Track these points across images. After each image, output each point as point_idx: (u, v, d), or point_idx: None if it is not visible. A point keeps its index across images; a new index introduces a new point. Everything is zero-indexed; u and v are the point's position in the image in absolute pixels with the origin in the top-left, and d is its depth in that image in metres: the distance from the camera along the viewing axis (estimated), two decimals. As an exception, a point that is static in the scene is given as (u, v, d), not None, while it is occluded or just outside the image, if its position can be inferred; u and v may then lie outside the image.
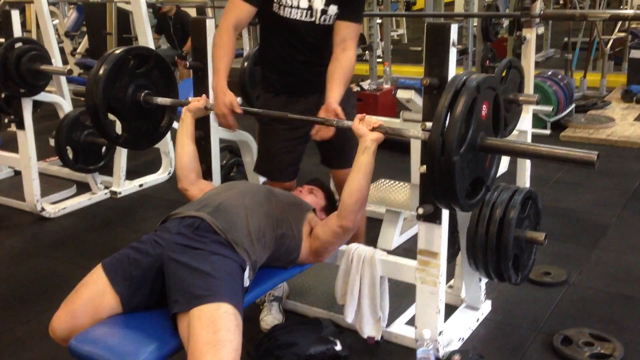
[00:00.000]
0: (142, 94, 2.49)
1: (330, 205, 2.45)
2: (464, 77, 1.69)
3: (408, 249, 3.16)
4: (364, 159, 2.06)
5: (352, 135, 2.30)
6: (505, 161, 4.35)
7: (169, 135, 4.49)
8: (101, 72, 2.37)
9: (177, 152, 2.41)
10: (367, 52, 6.57)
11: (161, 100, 2.52)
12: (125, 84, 2.46)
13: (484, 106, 1.71)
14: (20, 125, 3.77)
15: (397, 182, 3.50)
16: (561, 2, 11.18)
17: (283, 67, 2.50)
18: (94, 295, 1.88)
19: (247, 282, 1.96)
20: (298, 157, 2.61)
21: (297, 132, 2.52)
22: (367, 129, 2.04)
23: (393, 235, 3.26)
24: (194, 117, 2.45)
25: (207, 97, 2.49)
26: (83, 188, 4.30)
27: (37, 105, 4.13)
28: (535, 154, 1.76)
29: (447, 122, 1.63)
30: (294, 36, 2.42)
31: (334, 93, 2.28)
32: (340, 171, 2.60)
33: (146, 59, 2.55)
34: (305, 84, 2.50)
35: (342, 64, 2.33)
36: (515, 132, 3.51)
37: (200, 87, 2.63)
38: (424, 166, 1.83)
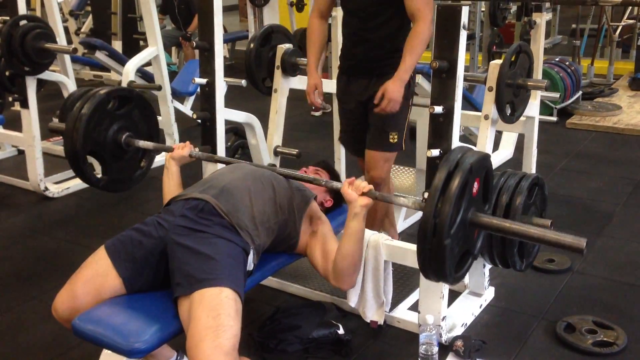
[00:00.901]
0: (124, 136, 2.44)
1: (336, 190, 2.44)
2: (458, 157, 1.71)
3: (412, 234, 3.15)
4: (354, 226, 2.01)
5: (388, 121, 2.49)
6: (510, 147, 4.33)
7: (172, 117, 4.49)
8: (82, 113, 2.30)
9: (164, 198, 2.28)
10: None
11: (143, 144, 2.47)
12: (105, 127, 2.40)
13: (475, 184, 1.72)
14: (24, 104, 3.75)
15: (402, 167, 3.49)
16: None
17: (343, 50, 2.68)
18: (96, 276, 1.87)
19: (250, 266, 1.96)
20: (357, 136, 2.71)
21: (349, 113, 2.71)
22: (357, 194, 1.99)
23: (397, 220, 3.24)
24: (178, 164, 2.37)
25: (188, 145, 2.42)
26: (87, 168, 4.29)
27: (41, 84, 4.11)
28: (525, 235, 1.74)
29: (439, 203, 1.64)
30: (350, 15, 2.57)
31: (401, 66, 2.42)
32: (368, 154, 2.66)
33: (127, 100, 2.50)
34: (358, 66, 2.60)
35: (412, 34, 2.42)
36: (522, 118, 3.48)
37: (207, 67, 2.61)
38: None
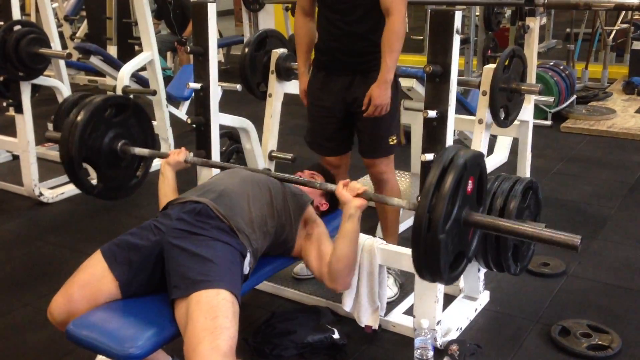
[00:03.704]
0: (120, 144, 2.44)
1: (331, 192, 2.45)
2: (452, 154, 1.72)
3: (407, 238, 3.14)
4: (349, 227, 2.02)
5: (385, 126, 2.46)
6: (505, 151, 4.34)
7: (167, 121, 4.48)
8: (78, 120, 2.31)
9: (160, 202, 2.31)
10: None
11: (139, 151, 2.47)
12: (101, 134, 2.40)
13: (470, 182, 1.73)
14: (19, 109, 3.74)
15: (397, 172, 3.48)
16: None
17: (320, 45, 2.62)
18: (92, 280, 1.87)
19: (247, 270, 1.96)
20: (332, 135, 2.67)
21: (325, 110, 2.63)
22: (351, 195, 2.01)
23: (392, 224, 3.24)
24: (174, 170, 2.39)
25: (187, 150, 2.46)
26: (81, 173, 4.28)
27: (35, 89, 4.10)
28: (519, 233, 1.74)
29: (434, 199, 1.64)
30: (328, 9, 2.51)
31: (383, 68, 2.39)
32: (368, 160, 2.65)
33: (123, 107, 2.49)
34: (336, 63, 2.56)
35: (386, 32, 2.39)
36: (516, 122, 3.49)
37: (201, 72, 2.61)
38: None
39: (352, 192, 2.00)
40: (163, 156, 2.42)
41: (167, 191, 2.33)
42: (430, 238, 1.64)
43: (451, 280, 1.84)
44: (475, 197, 1.81)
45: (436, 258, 1.67)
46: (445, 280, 1.78)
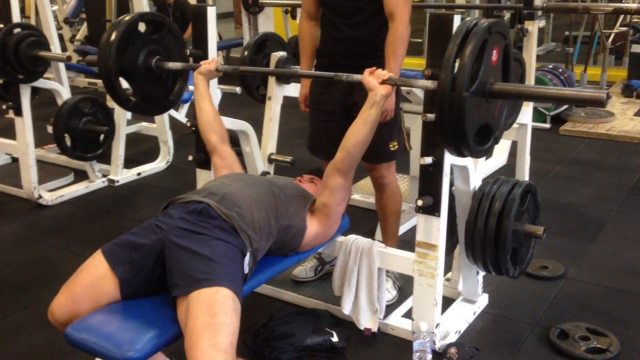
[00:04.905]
0: (154, 59, 2.49)
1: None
2: (475, 20, 1.72)
3: (406, 241, 3.15)
4: (372, 113, 2.11)
5: (382, 131, 2.41)
6: (504, 154, 4.35)
7: (167, 124, 4.49)
8: (113, 35, 2.36)
9: (197, 117, 2.48)
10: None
11: (172, 65, 2.52)
12: (137, 49, 2.45)
13: (494, 51, 1.72)
14: (18, 112, 3.75)
15: (396, 174, 3.49)
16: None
17: (322, 48, 2.61)
18: (93, 279, 1.88)
19: (246, 269, 1.97)
20: (333, 139, 2.59)
21: (331, 116, 2.62)
22: (377, 82, 2.07)
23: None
24: (206, 80, 2.49)
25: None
26: (81, 176, 4.29)
27: (35, 91, 4.11)
28: (545, 96, 1.81)
29: (457, 59, 1.64)
30: (331, 12, 2.51)
31: (389, 68, 2.36)
32: (369, 165, 2.65)
33: (159, 25, 2.54)
34: (338, 67, 2.51)
35: (390, 37, 2.39)
36: (515, 125, 3.51)
37: (200, 76, 2.62)
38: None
39: (378, 78, 2.08)
40: (195, 68, 2.50)
41: (199, 104, 2.46)
42: (455, 97, 1.62)
43: (477, 152, 1.82)
44: (501, 72, 1.80)
45: (461, 119, 1.64)
46: (471, 149, 1.75)
